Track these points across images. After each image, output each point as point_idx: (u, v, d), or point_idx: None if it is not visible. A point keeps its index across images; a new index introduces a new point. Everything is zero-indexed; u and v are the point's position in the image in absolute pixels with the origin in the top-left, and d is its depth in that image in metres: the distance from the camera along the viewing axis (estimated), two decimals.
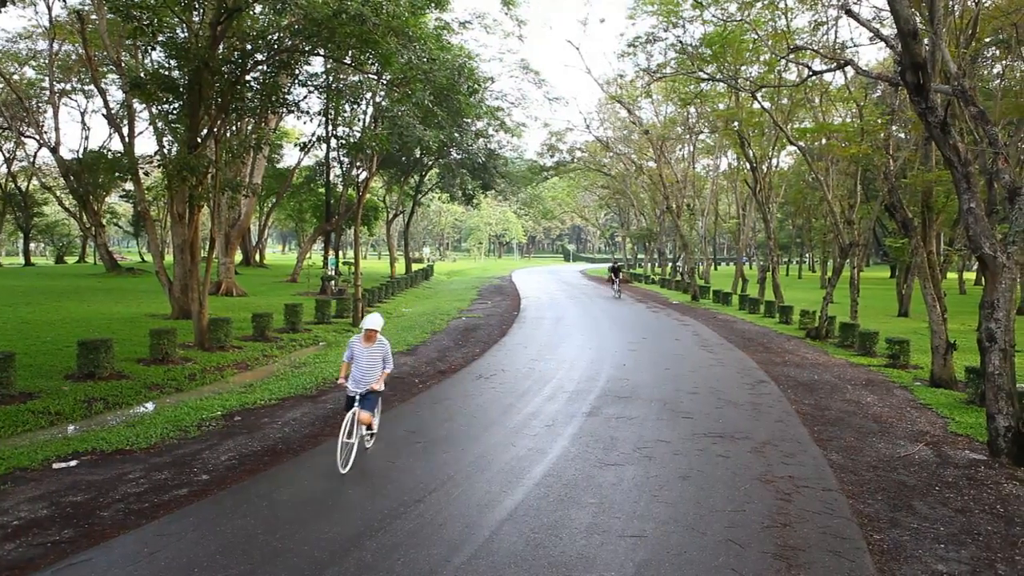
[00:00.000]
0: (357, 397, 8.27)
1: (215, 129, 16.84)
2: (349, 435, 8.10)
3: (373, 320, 8.33)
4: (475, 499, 7.28)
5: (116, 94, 37.42)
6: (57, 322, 18.97)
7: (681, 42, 25.68)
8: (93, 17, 25.51)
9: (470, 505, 7.11)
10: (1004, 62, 26.04)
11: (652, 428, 10.20)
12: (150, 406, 11.71)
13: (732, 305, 32.89)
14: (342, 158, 34.98)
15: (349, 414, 8.24)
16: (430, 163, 43.79)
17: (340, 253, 37.07)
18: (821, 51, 18.64)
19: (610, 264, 37.47)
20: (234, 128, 22.42)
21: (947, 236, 38.68)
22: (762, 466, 8.56)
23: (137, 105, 26.36)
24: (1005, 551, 6.43)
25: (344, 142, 24.66)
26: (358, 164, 33.69)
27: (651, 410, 11.35)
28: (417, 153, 39.83)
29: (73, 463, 8.42)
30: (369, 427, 8.67)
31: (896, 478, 8.37)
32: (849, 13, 11.87)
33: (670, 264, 57.94)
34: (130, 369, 13.49)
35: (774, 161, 37.93)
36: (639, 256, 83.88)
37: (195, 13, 16.36)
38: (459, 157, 38.73)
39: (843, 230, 22.79)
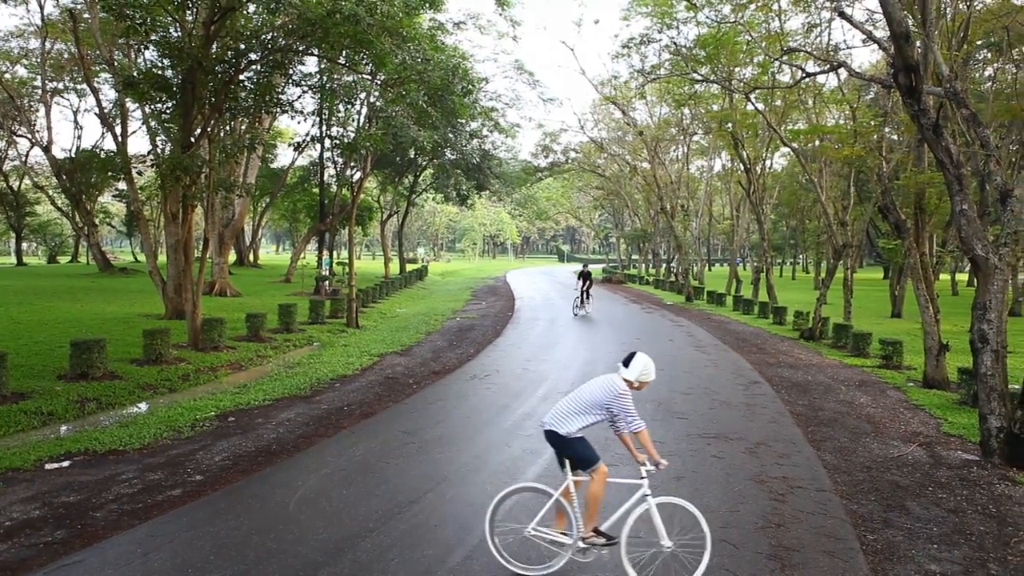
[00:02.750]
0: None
1: (208, 129, 16.80)
2: None
3: (649, 366, 5.71)
4: (470, 499, 7.27)
5: (109, 93, 37.30)
6: (50, 322, 18.87)
7: (675, 43, 25.73)
8: (86, 15, 25.42)
9: (465, 506, 7.11)
10: (995, 65, 26.18)
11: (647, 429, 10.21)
12: (143, 406, 11.64)
13: (726, 306, 32.97)
14: (336, 158, 34.99)
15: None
16: (424, 163, 43.75)
17: (334, 253, 36.91)
18: (814, 53, 18.70)
19: (580, 268, 29.77)
20: (228, 128, 22.35)
21: (940, 238, 38.88)
22: (756, 467, 8.58)
23: (130, 104, 26.27)
24: (997, 551, 6.46)
25: (339, 142, 24.62)
26: (352, 164, 33.70)
27: (645, 411, 11.35)
28: (411, 153, 39.83)
29: (66, 463, 8.37)
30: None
31: (889, 478, 8.40)
32: (842, 15, 11.91)
33: (664, 265, 58.06)
34: (123, 369, 13.42)
35: (768, 162, 38.04)
36: (633, 257, 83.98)
37: (188, 12, 16.31)
38: (453, 158, 38.69)
39: (837, 231, 22.89)
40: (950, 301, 36.41)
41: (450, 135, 30.89)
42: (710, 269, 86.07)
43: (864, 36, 12.21)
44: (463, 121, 33.52)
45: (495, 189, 49.73)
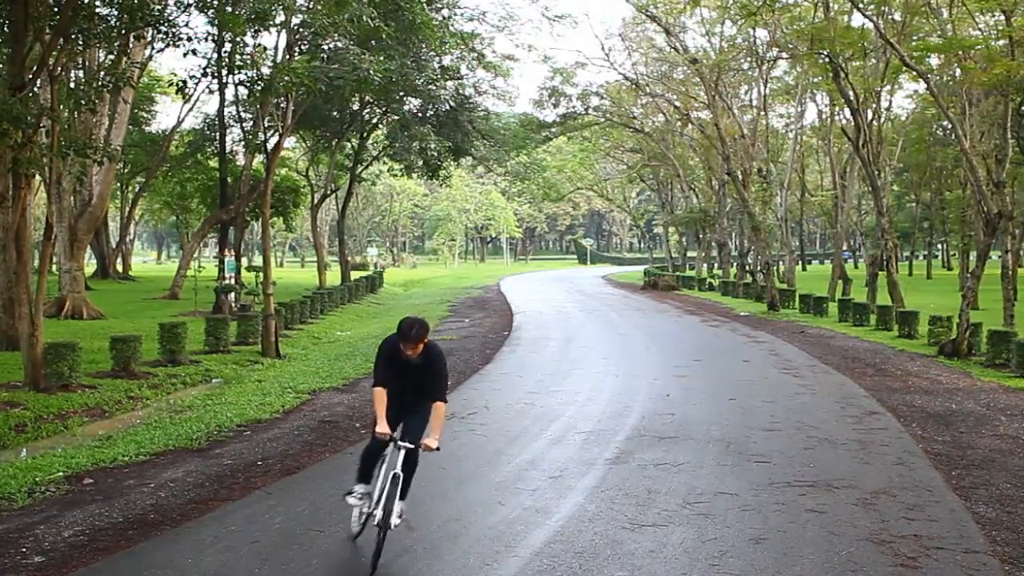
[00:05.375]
0: None
1: (51, 61, 16.83)
2: None
3: None
4: None
5: None
6: None
7: None
8: None
9: None
10: None
11: (708, 477, 10.30)
12: None
13: (828, 315, 33.10)
14: (243, 113, 34.93)
15: None
16: (374, 118, 43.87)
17: (244, 255, 36.85)
18: None
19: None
20: (81, 61, 22.37)
21: None
22: (873, 523, 8.66)
23: None
24: None
25: (246, 84, 24.40)
26: (268, 120, 33.63)
27: (708, 453, 11.48)
28: (355, 104, 39.94)
29: None
30: None
31: None
32: None
33: (735, 263, 58.15)
34: None
35: (886, 102, 38.13)
36: (690, 254, 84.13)
37: None
38: (417, 106, 38.73)
39: (988, 196, 22.99)
40: None
41: (410, 68, 30.72)
42: (804, 268, 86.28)
43: None
44: (432, 52, 33.60)
45: (480, 155, 49.75)
